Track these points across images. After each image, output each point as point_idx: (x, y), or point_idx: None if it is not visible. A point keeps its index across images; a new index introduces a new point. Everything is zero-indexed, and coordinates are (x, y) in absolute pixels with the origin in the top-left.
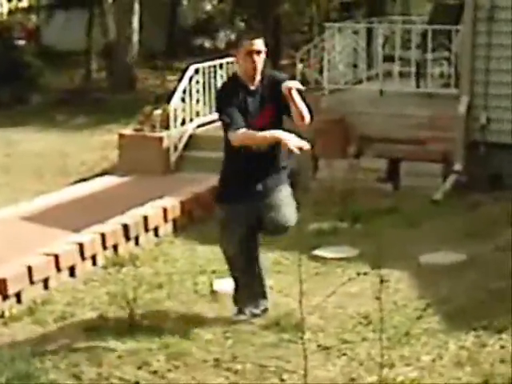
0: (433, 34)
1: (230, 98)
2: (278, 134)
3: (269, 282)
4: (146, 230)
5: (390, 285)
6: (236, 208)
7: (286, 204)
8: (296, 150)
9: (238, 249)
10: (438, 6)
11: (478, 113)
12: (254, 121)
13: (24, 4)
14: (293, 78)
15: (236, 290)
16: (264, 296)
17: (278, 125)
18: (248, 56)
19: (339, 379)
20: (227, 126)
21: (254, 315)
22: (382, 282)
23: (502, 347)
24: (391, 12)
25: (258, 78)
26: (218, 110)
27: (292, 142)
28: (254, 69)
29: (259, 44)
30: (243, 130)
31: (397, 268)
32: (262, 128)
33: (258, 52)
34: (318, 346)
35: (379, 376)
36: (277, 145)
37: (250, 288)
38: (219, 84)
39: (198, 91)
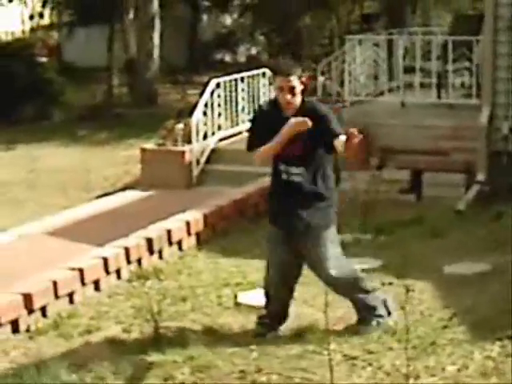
0: (453, 45)
1: (260, 121)
2: (290, 126)
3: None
4: (170, 243)
5: (414, 295)
6: (275, 230)
7: (326, 257)
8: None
9: (275, 270)
10: (458, 17)
11: (499, 123)
12: (291, 148)
13: (45, 21)
14: (314, 90)
15: (266, 306)
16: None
17: (314, 153)
18: (280, 91)
19: None
20: (247, 148)
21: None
22: (407, 291)
23: None
24: (411, 23)
25: (296, 106)
26: (248, 130)
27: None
28: (287, 104)
29: (291, 81)
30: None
31: (421, 278)
32: (298, 156)
33: (290, 88)
34: (344, 356)
35: None
36: (317, 171)
37: (276, 308)
38: (240, 98)
39: (219, 105)
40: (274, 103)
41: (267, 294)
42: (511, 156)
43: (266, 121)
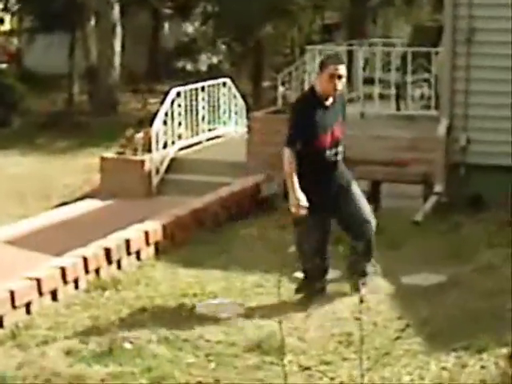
0: (412, 56)
1: (303, 112)
2: (296, 196)
3: (251, 303)
4: (128, 253)
5: (371, 306)
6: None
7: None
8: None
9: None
10: (417, 29)
11: (457, 134)
12: (332, 131)
13: (6, 27)
14: (274, 100)
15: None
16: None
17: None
18: (330, 78)
19: None
20: (287, 138)
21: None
22: (361, 301)
23: (483, 367)
24: (372, 34)
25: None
26: (290, 120)
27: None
28: (335, 90)
29: (342, 69)
30: (289, 154)
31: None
32: (338, 138)
33: (340, 76)
34: (300, 367)
35: None
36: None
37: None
38: (200, 107)
39: (179, 114)
40: (313, 94)
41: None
42: (469, 167)
43: (307, 112)
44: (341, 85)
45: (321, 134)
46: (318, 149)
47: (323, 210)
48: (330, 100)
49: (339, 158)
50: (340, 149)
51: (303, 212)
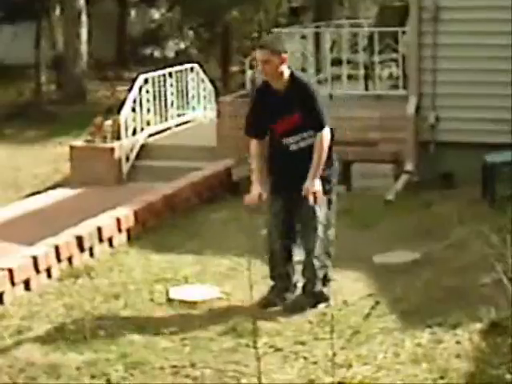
0: (379, 37)
1: (255, 102)
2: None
3: (224, 286)
4: (101, 240)
5: (345, 285)
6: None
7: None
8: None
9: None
10: (383, 9)
11: (426, 113)
12: (288, 119)
13: None
14: (242, 84)
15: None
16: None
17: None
18: (259, 64)
19: (297, 381)
20: (245, 131)
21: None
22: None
23: (457, 343)
24: (339, 16)
25: (284, 81)
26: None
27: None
28: (265, 75)
29: (262, 54)
30: (252, 144)
31: (352, 269)
32: (284, 131)
33: (264, 61)
34: (276, 349)
35: (334, 376)
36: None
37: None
38: (168, 93)
39: (148, 101)
40: (265, 82)
41: (271, 263)
42: (438, 145)
43: (260, 100)
44: (268, 69)
45: (272, 123)
46: (275, 135)
47: (281, 196)
48: (282, 87)
49: (301, 145)
50: (303, 137)
51: (253, 201)
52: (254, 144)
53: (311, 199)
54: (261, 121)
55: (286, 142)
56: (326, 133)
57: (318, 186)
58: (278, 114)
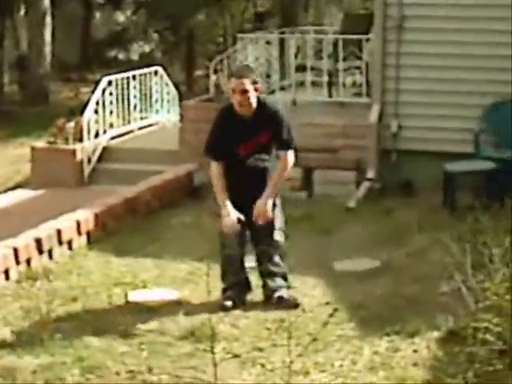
0: (344, 44)
1: (218, 126)
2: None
3: (183, 291)
4: (60, 243)
5: (304, 292)
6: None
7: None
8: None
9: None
10: (348, 16)
11: (389, 121)
12: (252, 143)
13: None
14: (206, 89)
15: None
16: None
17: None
18: (233, 93)
19: None
20: (205, 151)
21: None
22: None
23: (415, 351)
24: (304, 22)
25: (251, 107)
26: (210, 132)
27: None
28: (240, 105)
29: (244, 84)
30: (213, 167)
31: (312, 275)
32: (248, 153)
33: (243, 91)
34: (234, 355)
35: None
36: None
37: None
38: (132, 96)
39: (111, 103)
40: (230, 105)
41: (224, 270)
42: (400, 153)
43: (225, 123)
44: (246, 99)
45: (237, 145)
46: (236, 156)
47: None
48: (249, 113)
49: (260, 165)
50: (263, 158)
51: (234, 227)
52: (214, 165)
53: (262, 220)
54: (224, 144)
55: (247, 161)
56: (291, 154)
57: (269, 205)
58: (244, 138)
